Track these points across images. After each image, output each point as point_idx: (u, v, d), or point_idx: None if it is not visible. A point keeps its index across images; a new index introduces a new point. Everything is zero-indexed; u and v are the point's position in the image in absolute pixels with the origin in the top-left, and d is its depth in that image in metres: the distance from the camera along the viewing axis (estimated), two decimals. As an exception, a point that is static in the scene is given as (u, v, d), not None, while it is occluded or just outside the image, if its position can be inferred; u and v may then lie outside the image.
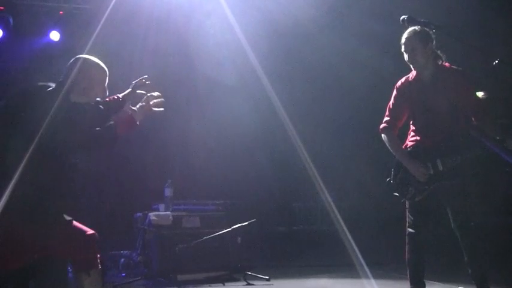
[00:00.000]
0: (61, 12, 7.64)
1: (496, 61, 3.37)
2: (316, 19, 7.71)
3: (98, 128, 3.21)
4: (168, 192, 6.15)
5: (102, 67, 3.37)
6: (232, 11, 7.19)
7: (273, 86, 7.47)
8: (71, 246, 3.13)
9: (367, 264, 5.48)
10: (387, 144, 4.04)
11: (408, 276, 3.97)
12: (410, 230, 3.94)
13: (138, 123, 3.38)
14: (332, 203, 7.08)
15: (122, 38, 7.11)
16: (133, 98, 3.39)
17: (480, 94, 3.98)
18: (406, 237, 3.96)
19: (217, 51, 7.74)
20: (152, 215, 5.92)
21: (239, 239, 6.01)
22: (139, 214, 6.32)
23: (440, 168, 3.81)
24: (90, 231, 3.21)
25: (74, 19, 7.58)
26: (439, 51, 3.93)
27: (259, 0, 7.45)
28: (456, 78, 3.88)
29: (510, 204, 7.27)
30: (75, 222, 3.19)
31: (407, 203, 3.95)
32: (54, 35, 7.68)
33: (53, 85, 3.21)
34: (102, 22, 6.20)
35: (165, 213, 6.00)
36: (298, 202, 9.09)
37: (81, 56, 3.37)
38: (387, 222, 6.99)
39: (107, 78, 3.39)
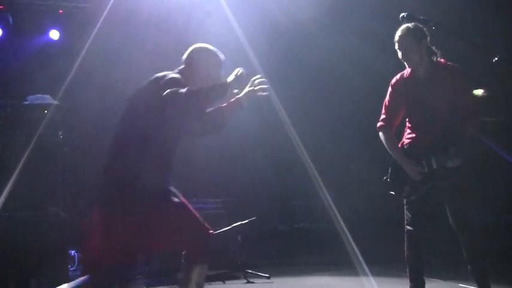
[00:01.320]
0: (61, 11, 7.65)
1: (496, 58, 3.35)
2: (316, 19, 7.71)
3: (207, 113, 3.35)
4: (168, 190, 6.15)
5: (219, 57, 3.52)
6: (232, 10, 7.18)
7: (273, 86, 7.43)
8: (191, 239, 3.18)
9: (367, 262, 5.48)
10: (384, 143, 4.02)
11: (407, 274, 3.97)
12: (408, 227, 3.93)
13: (243, 107, 3.59)
14: (331, 202, 7.08)
15: (121, 37, 7.11)
16: (233, 87, 3.56)
17: (479, 92, 3.96)
18: (405, 235, 3.95)
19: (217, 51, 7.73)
20: (152, 214, 5.92)
21: (239, 237, 6.02)
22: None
23: (434, 166, 3.77)
24: (211, 230, 3.28)
25: (73, 18, 7.59)
26: (433, 47, 3.87)
27: (259, -1, 7.47)
28: (451, 74, 3.82)
29: (509, 202, 7.27)
30: (199, 217, 3.26)
31: (405, 200, 3.95)
32: (54, 34, 7.69)
33: (171, 73, 3.32)
34: (101, 21, 6.22)
35: (165, 211, 5.99)
36: (298, 200, 9.09)
37: (199, 45, 3.51)
38: (387, 220, 6.98)
39: (222, 65, 3.54)
